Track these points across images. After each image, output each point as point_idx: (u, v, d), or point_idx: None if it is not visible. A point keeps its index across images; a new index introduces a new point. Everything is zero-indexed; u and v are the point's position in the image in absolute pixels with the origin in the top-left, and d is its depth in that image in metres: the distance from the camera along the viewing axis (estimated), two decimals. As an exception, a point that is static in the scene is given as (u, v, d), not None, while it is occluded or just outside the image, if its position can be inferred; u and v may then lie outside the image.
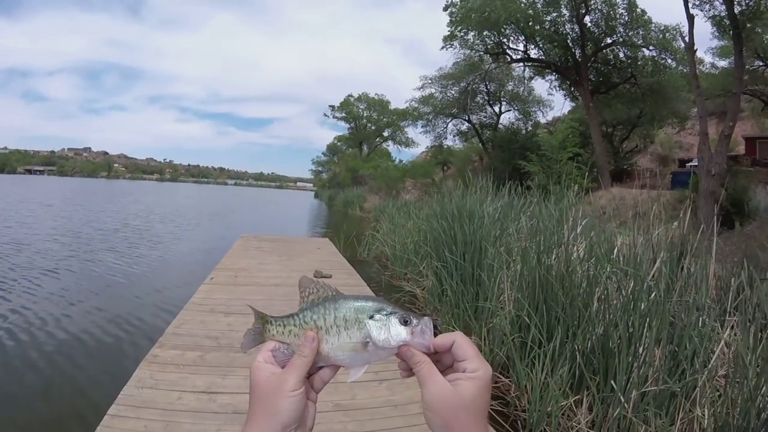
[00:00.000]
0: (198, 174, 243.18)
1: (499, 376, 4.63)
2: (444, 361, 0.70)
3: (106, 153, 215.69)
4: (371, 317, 0.71)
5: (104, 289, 8.63)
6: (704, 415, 3.16)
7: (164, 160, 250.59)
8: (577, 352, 3.93)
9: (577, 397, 3.81)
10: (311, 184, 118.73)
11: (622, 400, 3.36)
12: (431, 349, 0.69)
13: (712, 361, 3.35)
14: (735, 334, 3.60)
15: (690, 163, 23.44)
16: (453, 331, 0.70)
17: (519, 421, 3.99)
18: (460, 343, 0.68)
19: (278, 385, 0.68)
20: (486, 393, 0.66)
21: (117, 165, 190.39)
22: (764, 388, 2.90)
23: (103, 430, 2.83)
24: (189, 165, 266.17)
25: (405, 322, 0.70)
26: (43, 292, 8.08)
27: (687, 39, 16.49)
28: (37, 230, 16.36)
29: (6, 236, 14.46)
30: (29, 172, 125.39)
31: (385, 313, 0.71)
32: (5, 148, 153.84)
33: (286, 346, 0.73)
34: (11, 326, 6.25)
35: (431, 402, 0.65)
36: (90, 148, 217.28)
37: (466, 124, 36.81)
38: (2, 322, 6.37)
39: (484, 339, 5.02)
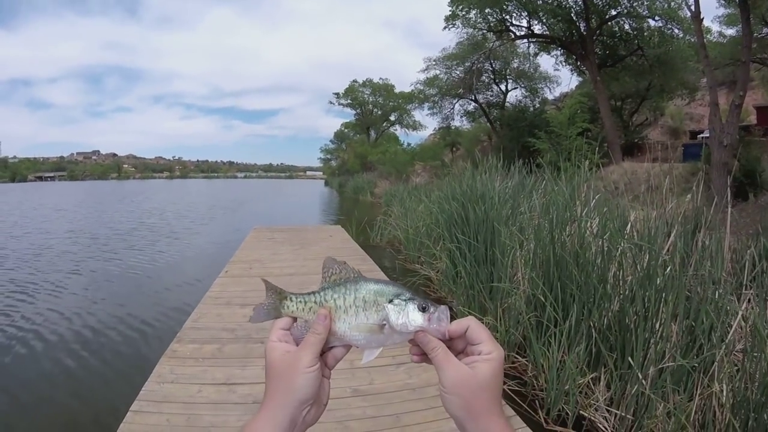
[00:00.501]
0: (207, 169, 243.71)
1: (516, 356, 4.64)
2: (456, 347, 0.72)
3: (114, 155, 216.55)
4: (390, 301, 0.72)
5: (124, 287, 8.84)
6: (722, 390, 3.14)
7: (173, 157, 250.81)
8: (593, 330, 3.93)
9: (594, 374, 3.81)
10: (321, 173, 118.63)
11: (640, 376, 3.36)
12: (446, 336, 0.71)
13: (729, 336, 3.32)
14: (752, 308, 3.56)
15: (701, 135, 23.01)
16: (467, 315, 0.71)
17: (537, 401, 4.00)
18: (474, 327, 0.71)
19: (293, 362, 0.70)
20: (500, 373, 0.69)
21: (126, 165, 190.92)
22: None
23: (126, 426, 2.89)
24: (198, 161, 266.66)
25: (423, 309, 0.71)
26: (65, 293, 8.28)
27: (693, 8, 16.09)
28: (55, 234, 16.64)
29: (27, 241, 14.77)
30: (40, 178, 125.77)
31: (404, 298, 0.72)
32: (15, 157, 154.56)
33: (305, 323, 0.75)
34: (38, 327, 6.42)
35: (451, 385, 0.67)
36: (99, 150, 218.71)
37: (473, 104, 36.47)
38: (29, 324, 6.54)
39: (500, 319, 5.02)
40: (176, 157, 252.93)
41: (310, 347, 0.71)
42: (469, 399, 0.66)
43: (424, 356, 0.72)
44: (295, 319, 0.76)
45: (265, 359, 0.72)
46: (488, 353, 0.69)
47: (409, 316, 0.71)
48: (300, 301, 0.76)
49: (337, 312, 0.73)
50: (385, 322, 0.72)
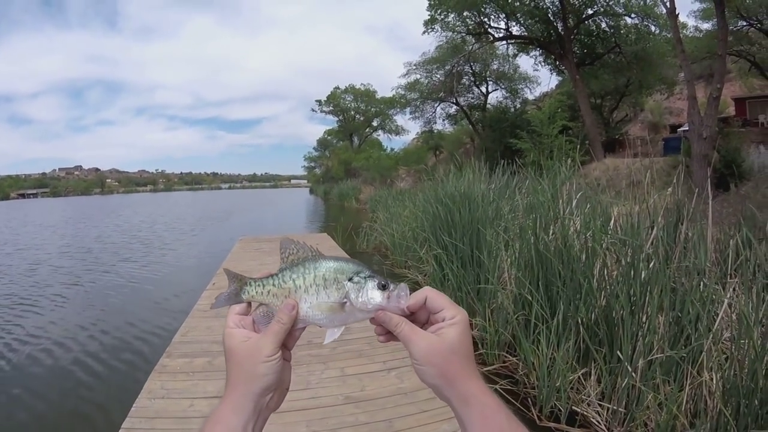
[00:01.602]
0: (191, 181, 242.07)
1: (506, 355, 4.66)
2: (419, 319, 0.72)
3: (97, 169, 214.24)
4: (350, 279, 0.72)
5: (119, 299, 8.94)
6: (712, 378, 3.18)
7: (156, 170, 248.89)
8: (581, 325, 3.95)
9: (584, 369, 3.84)
10: (305, 180, 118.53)
11: (630, 369, 3.39)
12: (406, 312, 0.71)
13: (716, 325, 3.37)
14: (737, 296, 3.61)
15: (681, 128, 23.38)
16: None
17: (529, 398, 4.02)
18: (432, 296, 0.71)
19: (255, 350, 0.69)
20: (468, 335, 0.69)
21: (110, 180, 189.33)
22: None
23: (119, 444, 2.84)
24: (182, 173, 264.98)
25: (383, 287, 0.71)
26: (65, 305, 8.53)
27: (668, 4, 16.39)
28: (48, 250, 16.78)
29: (18, 257, 14.96)
30: (23, 196, 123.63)
31: (363, 275, 0.72)
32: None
33: (266, 309, 0.74)
34: (33, 342, 6.45)
35: (422, 356, 0.67)
36: (81, 166, 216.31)
37: (455, 106, 36.73)
38: (28, 338, 6.62)
39: (489, 320, 5.03)
40: (160, 170, 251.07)
41: (273, 336, 0.70)
42: (442, 366, 0.66)
43: (390, 335, 0.71)
44: (258, 305, 0.75)
45: (224, 345, 0.71)
46: (452, 318, 0.69)
47: (368, 294, 0.70)
48: (259, 285, 0.74)
49: (297, 292, 0.72)
50: (346, 300, 0.71)
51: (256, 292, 0.74)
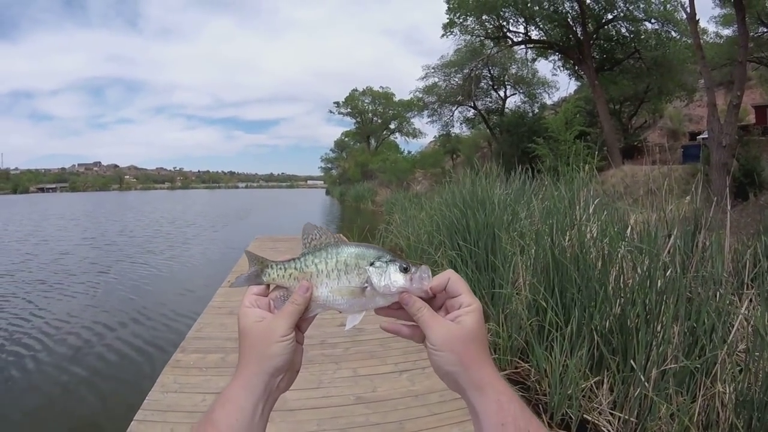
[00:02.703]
0: (209, 180, 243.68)
1: (519, 361, 4.64)
2: (435, 304, 0.73)
3: (116, 166, 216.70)
4: (371, 264, 0.73)
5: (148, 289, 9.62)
6: (726, 390, 3.14)
7: (174, 168, 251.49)
8: (595, 333, 3.92)
9: (597, 378, 3.81)
10: (322, 182, 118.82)
11: (643, 379, 3.36)
12: (429, 294, 0.72)
13: (731, 336, 3.32)
14: (753, 308, 3.57)
15: (700, 136, 23.04)
16: None
17: (540, 405, 3.99)
18: (455, 278, 0.72)
19: (268, 331, 0.70)
20: (483, 323, 0.71)
21: (128, 177, 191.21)
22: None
23: (131, 435, 2.89)
24: (199, 171, 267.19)
25: (404, 270, 0.71)
26: (95, 292, 9.25)
27: (688, 9, 16.19)
28: (74, 241, 17.72)
29: (47, 248, 15.78)
30: (42, 190, 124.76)
31: (385, 260, 0.73)
32: (16, 168, 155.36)
33: (285, 292, 0.74)
34: (54, 330, 6.78)
35: (441, 342, 0.68)
36: (100, 162, 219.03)
37: (472, 110, 36.50)
38: (49, 328, 6.92)
39: (502, 325, 5.02)
40: (178, 168, 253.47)
41: (287, 316, 0.70)
42: (461, 352, 0.67)
43: (395, 326, 0.74)
44: (276, 288, 0.76)
45: (238, 325, 0.72)
46: (469, 305, 0.70)
47: (391, 277, 0.71)
48: (280, 268, 0.75)
49: (319, 277, 0.73)
50: (367, 285, 0.72)
51: (277, 275, 0.75)
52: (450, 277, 0.72)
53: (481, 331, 0.69)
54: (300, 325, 0.74)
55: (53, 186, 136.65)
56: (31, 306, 8.15)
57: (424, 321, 0.70)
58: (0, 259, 13.48)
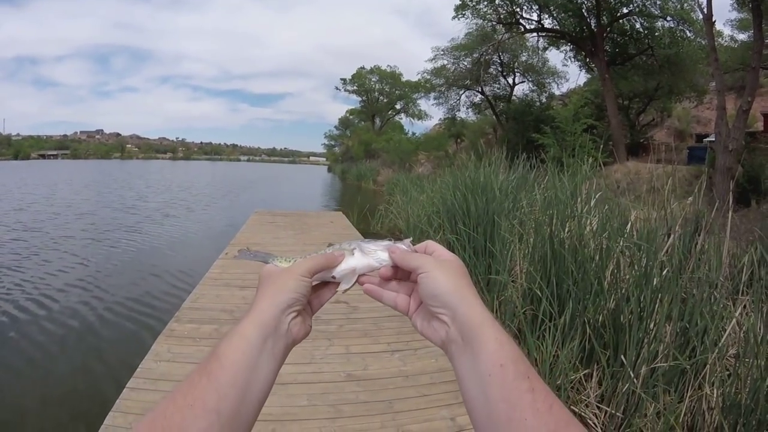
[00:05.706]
0: (211, 151, 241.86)
1: (510, 349, 4.66)
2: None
3: (118, 134, 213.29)
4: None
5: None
6: (713, 393, 3.16)
7: (177, 138, 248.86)
8: (587, 326, 3.94)
9: (587, 370, 3.84)
10: (324, 159, 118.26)
11: (632, 375, 3.38)
12: (412, 248, 0.73)
13: (722, 340, 3.34)
14: (747, 313, 3.58)
15: (707, 139, 22.91)
16: None
17: (529, 394, 4.03)
18: (432, 243, 0.74)
19: (289, 270, 0.71)
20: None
21: (130, 146, 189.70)
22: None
23: (123, 402, 2.93)
24: (201, 143, 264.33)
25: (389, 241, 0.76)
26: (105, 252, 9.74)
27: (705, 10, 15.97)
28: (94, 205, 18.48)
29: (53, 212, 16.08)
30: (43, 156, 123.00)
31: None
32: (18, 134, 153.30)
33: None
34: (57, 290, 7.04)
35: (433, 266, 0.67)
36: (102, 130, 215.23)
37: (479, 95, 36.15)
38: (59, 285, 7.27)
39: (496, 311, 5.04)
40: (180, 139, 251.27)
41: (311, 261, 0.72)
42: (457, 279, 0.66)
43: (378, 290, 0.75)
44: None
45: (259, 277, 0.73)
46: (451, 255, 0.71)
47: (376, 243, 0.75)
48: (286, 260, 0.76)
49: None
50: (354, 247, 0.75)
51: (285, 260, 0.76)
52: (428, 242, 0.74)
53: (468, 275, 0.69)
54: (312, 305, 0.75)
55: (54, 153, 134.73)
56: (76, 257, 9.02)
57: (414, 256, 0.70)
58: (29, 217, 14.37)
